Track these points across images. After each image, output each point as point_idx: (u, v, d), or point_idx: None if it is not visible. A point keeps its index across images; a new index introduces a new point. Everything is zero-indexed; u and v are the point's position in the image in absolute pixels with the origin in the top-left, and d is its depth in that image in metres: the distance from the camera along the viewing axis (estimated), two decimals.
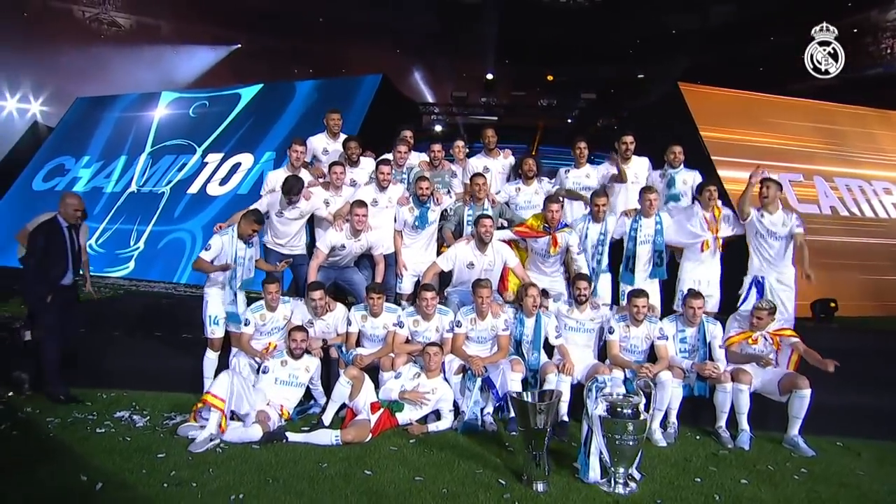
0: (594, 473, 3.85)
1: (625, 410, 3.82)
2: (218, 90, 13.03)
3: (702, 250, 5.48)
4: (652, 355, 5.04)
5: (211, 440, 4.23)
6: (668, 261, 5.63)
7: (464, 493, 3.66)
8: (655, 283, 5.62)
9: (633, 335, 4.97)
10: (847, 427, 4.87)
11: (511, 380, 4.77)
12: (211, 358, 5.12)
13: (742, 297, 5.44)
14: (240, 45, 21.27)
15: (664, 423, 4.75)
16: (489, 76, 18.96)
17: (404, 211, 5.76)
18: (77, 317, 5.58)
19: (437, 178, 6.10)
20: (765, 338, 4.92)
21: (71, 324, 5.29)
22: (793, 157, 9.53)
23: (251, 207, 5.39)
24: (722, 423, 4.75)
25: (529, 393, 4.02)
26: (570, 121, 17.66)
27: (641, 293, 4.98)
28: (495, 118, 17.71)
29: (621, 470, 3.77)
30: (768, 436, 4.74)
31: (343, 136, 6.37)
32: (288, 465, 3.95)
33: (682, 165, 6.00)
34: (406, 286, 5.84)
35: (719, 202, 5.54)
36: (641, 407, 3.86)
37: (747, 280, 5.50)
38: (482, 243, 5.30)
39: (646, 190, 5.58)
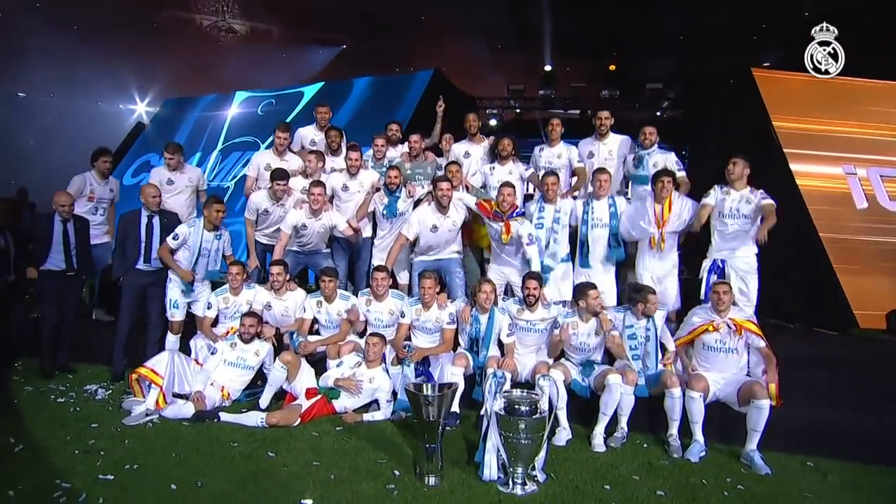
0: (489, 471, 3.68)
1: (522, 408, 3.63)
2: (284, 89, 13.56)
3: (650, 246, 5.11)
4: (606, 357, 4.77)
5: (147, 415, 4.47)
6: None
7: (350, 480, 3.63)
8: (611, 271, 5.33)
9: (581, 331, 4.69)
10: (838, 447, 4.31)
11: (451, 373, 4.66)
12: (171, 340, 5.37)
13: (703, 285, 5.00)
14: (345, 46, 21.93)
15: (610, 429, 4.45)
16: (547, 68, 18.11)
17: (376, 198, 5.79)
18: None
19: (418, 170, 6.07)
20: (728, 325, 4.46)
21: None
22: (888, 149, 8.31)
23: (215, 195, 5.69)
24: (673, 430, 4.37)
25: (427, 386, 3.91)
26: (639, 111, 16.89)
27: (590, 286, 4.70)
28: (577, 111, 17.24)
29: (519, 469, 3.59)
30: (732, 450, 4.31)
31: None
32: (202, 442, 4.10)
33: (655, 147, 5.64)
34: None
35: (676, 194, 5.12)
36: (541, 405, 3.65)
37: (706, 264, 5.07)
38: (441, 206, 5.27)
39: (598, 171, 5.33)
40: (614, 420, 4.48)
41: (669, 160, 5.52)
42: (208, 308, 5.31)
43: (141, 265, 5.43)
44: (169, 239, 5.31)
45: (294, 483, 3.57)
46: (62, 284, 5.50)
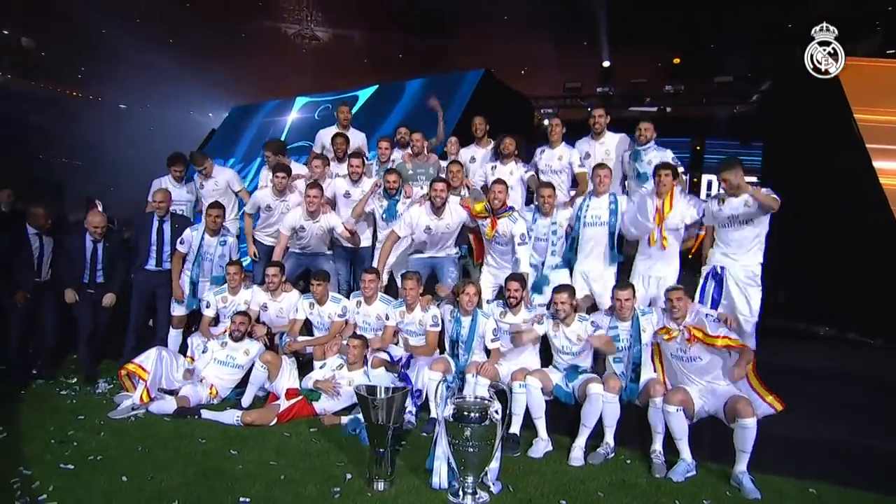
0: (438, 479, 3.55)
1: (471, 414, 3.46)
2: (341, 93, 13.67)
3: (648, 244, 4.77)
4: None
5: (133, 409, 4.62)
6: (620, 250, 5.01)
7: (300, 481, 3.59)
8: (612, 271, 5.00)
9: (562, 334, 4.45)
10: (854, 474, 3.83)
11: (429, 378, 4.55)
12: (173, 335, 5.56)
13: (698, 292, 4.62)
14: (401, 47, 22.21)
15: (591, 443, 4.19)
16: (605, 63, 17.48)
17: (375, 201, 5.75)
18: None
19: (420, 170, 6.01)
20: (683, 333, 4.11)
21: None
22: None
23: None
24: (656, 446, 4.06)
25: (381, 389, 3.80)
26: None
27: (563, 288, 4.45)
28: (654, 109, 16.64)
29: (469, 479, 3.42)
30: (725, 470, 3.93)
31: (353, 131, 6.59)
32: (172, 438, 4.19)
33: (651, 143, 5.28)
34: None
35: (678, 189, 4.76)
36: (492, 412, 3.47)
37: (704, 270, 4.67)
38: (436, 207, 5.16)
39: (597, 167, 5.03)
40: (600, 433, 4.21)
41: (666, 157, 5.16)
42: (207, 307, 5.44)
43: (151, 266, 5.63)
44: (178, 244, 5.51)
45: (242, 482, 3.56)
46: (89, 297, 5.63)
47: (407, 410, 4.64)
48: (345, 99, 13.00)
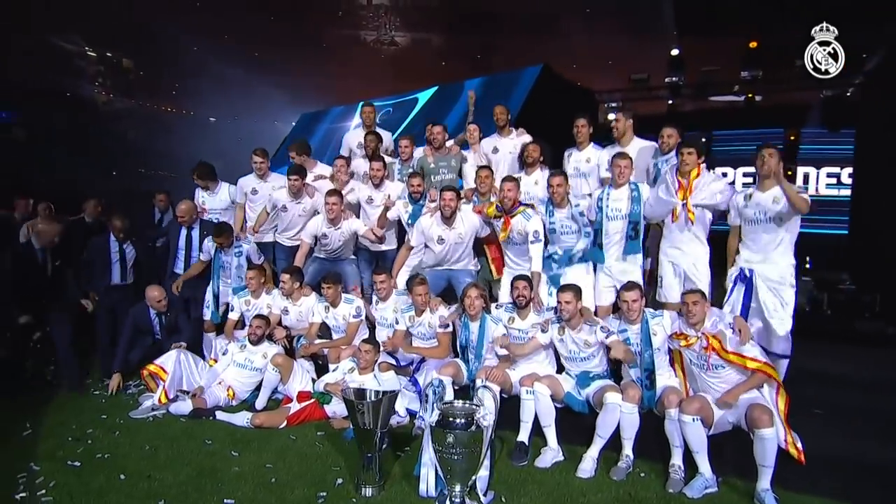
0: (426, 487, 3.43)
1: (456, 420, 3.31)
2: (401, 96, 13.49)
3: (672, 221, 4.41)
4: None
5: (153, 409, 4.76)
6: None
7: (289, 484, 3.57)
8: (636, 265, 4.63)
9: (568, 338, 4.20)
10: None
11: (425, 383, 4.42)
12: (208, 336, 5.71)
13: (727, 296, 4.23)
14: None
15: (610, 456, 3.92)
16: (674, 52, 16.36)
17: (400, 206, 5.66)
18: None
19: (442, 163, 5.87)
20: (701, 340, 3.76)
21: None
22: None
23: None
24: (675, 460, 3.72)
25: (370, 392, 3.70)
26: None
27: (567, 288, 4.17)
28: (741, 98, 15.82)
29: (457, 487, 3.27)
30: (750, 487, 3.56)
31: (381, 131, 6.57)
32: (180, 438, 4.26)
33: (674, 151, 4.76)
34: (399, 282, 5.75)
35: (704, 167, 4.38)
36: (479, 418, 3.30)
37: (732, 272, 4.26)
38: (445, 217, 5.03)
39: (617, 156, 4.66)
40: (617, 444, 3.94)
41: None
42: (231, 310, 5.55)
43: (180, 271, 5.84)
44: (200, 254, 5.69)
45: (232, 483, 3.57)
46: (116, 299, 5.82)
47: (418, 416, 4.56)
48: (404, 101, 13.04)
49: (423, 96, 12.54)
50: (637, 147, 5.06)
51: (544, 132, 5.97)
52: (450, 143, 6.05)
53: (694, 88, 16.66)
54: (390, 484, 3.61)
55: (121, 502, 3.33)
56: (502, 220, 4.87)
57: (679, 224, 4.39)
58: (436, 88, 12.48)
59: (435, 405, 3.43)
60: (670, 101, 16.57)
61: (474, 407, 3.34)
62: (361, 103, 6.43)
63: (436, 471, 3.39)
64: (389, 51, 22.94)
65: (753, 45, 16.28)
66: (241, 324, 5.60)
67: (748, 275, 4.13)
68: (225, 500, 3.34)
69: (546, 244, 4.86)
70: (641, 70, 17.02)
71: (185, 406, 4.73)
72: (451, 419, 3.31)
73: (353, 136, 6.74)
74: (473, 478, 3.31)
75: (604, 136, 5.62)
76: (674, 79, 16.48)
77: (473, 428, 3.26)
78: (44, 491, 3.40)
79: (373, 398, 3.58)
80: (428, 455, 3.41)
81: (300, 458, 3.94)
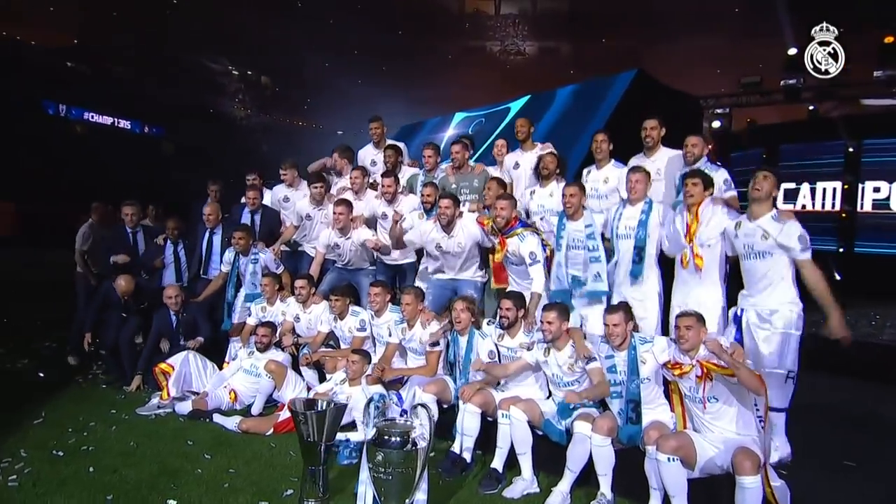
0: None
1: (393, 438, 3.12)
2: (494, 106, 13.32)
3: (682, 265, 3.95)
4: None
5: (159, 407, 4.95)
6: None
7: (239, 491, 3.52)
8: (654, 290, 4.25)
9: (553, 361, 3.87)
10: None
11: (421, 399, 4.24)
12: (232, 339, 5.85)
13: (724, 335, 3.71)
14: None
15: (585, 492, 3.56)
16: (792, 51, 14.50)
17: (413, 217, 5.56)
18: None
19: (464, 183, 5.72)
20: (695, 369, 3.28)
21: None
22: None
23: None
24: (656, 502, 3.32)
25: (322, 402, 3.58)
26: None
27: (551, 307, 3.84)
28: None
29: None
30: None
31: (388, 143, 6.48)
32: (167, 437, 4.37)
33: (702, 162, 4.35)
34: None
35: (708, 201, 3.91)
36: (414, 436, 3.09)
37: (731, 312, 3.79)
38: (443, 225, 4.88)
39: (631, 170, 4.30)
40: (596, 481, 3.56)
41: (721, 178, 4.28)
42: (249, 316, 5.67)
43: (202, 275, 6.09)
44: (222, 265, 5.89)
45: (187, 485, 3.58)
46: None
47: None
48: (497, 111, 12.91)
49: (516, 105, 12.26)
50: (666, 157, 4.68)
51: (636, 140, 5.41)
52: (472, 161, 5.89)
53: (814, 91, 14.80)
54: (340, 499, 3.47)
55: (75, 494, 3.42)
56: (498, 239, 4.63)
57: (688, 270, 3.97)
58: (528, 97, 12.18)
59: (373, 421, 3.25)
60: (811, 108, 15.05)
61: (411, 426, 3.14)
62: (369, 119, 6.31)
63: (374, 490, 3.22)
64: (516, 60, 23.07)
65: (889, 40, 13.98)
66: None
67: (739, 315, 3.67)
68: (168, 501, 3.35)
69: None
70: (754, 73, 15.78)
71: (183, 406, 4.87)
72: (385, 437, 3.14)
73: (365, 153, 6.66)
74: (408, 501, 3.10)
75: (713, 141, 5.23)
76: (791, 81, 14.54)
77: (409, 447, 3.07)
78: (14, 476, 3.58)
79: (319, 409, 3.46)
80: (365, 473, 3.24)
81: (266, 467, 3.90)
